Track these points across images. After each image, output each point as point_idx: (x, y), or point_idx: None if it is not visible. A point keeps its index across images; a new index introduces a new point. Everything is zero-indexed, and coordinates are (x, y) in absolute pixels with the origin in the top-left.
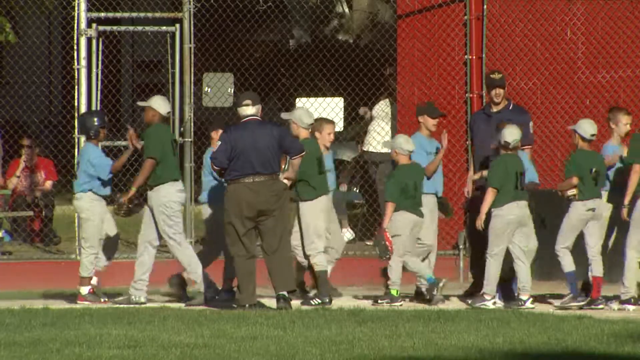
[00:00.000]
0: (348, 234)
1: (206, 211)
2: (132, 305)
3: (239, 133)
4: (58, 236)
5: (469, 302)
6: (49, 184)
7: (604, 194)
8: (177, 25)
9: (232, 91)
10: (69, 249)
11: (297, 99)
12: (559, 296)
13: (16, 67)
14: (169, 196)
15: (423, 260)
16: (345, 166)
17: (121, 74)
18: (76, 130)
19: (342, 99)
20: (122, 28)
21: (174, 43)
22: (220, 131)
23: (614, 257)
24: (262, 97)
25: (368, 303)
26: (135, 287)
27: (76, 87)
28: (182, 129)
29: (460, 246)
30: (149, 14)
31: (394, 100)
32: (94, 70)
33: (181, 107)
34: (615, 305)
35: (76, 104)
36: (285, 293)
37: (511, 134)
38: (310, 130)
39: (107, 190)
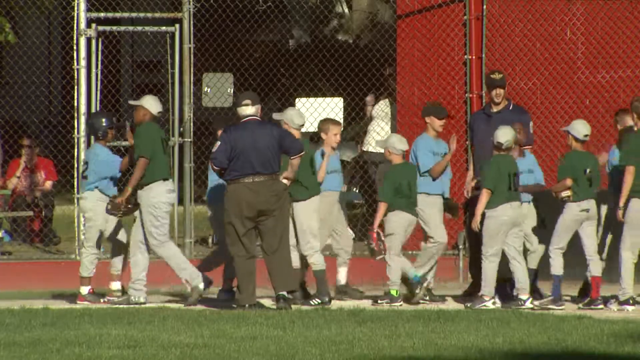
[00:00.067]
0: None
1: (213, 210)
2: (131, 306)
3: (239, 133)
4: (58, 236)
5: (468, 304)
6: (48, 184)
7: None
8: (177, 26)
9: (232, 91)
10: (68, 249)
11: (297, 99)
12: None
13: (16, 67)
14: (158, 197)
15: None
16: (345, 166)
17: (121, 74)
18: (76, 130)
19: (342, 99)
20: (122, 28)
21: (173, 43)
22: None
23: (614, 257)
24: (261, 97)
25: (368, 303)
26: (134, 288)
27: (76, 87)
28: (181, 129)
29: (460, 246)
30: (149, 14)
31: (393, 100)
32: (93, 70)
33: (181, 107)
34: (614, 305)
35: (76, 104)
36: (285, 293)
37: (504, 134)
38: (300, 130)
39: (114, 190)
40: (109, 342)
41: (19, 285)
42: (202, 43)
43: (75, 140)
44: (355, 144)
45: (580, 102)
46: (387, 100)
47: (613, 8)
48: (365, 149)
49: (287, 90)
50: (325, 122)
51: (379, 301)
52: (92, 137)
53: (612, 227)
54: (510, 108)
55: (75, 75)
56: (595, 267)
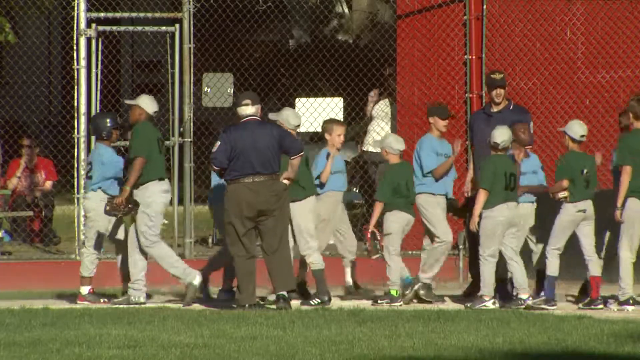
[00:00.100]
0: None
1: (216, 210)
2: (131, 306)
3: (239, 133)
4: (58, 236)
5: (468, 305)
6: (49, 184)
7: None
8: (177, 25)
9: (232, 91)
10: (68, 249)
11: (297, 99)
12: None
13: (16, 67)
14: (153, 197)
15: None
16: (345, 166)
17: (121, 74)
18: (76, 130)
19: (342, 99)
20: (122, 28)
21: (173, 43)
22: None
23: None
24: (261, 97)
25: (368, 303)
26: (133, 288)
27: (76, 87)
28: (181, 129)
29: (460, 246)
30: (149, 14)
31: (393, 100)
32: (93, 70)
33: (181, 107)
34: (614, 306)
35: (76, 104)
36: (285, 293)
37: (501, 134)
38: (296, 131)
39: (117, 191)
40: (109, 342)
41: (19, 285)
42: (202, 43)
43: (75, 140)
44: (355, 144)
45: (580, 102)
46: (387, 100)
47: (613, 8)
48: (365, 149)
49: (287, 90)
50: (329, 123)
51: (379, 301)
52: (94, 137)
53: (611, 226)
54: (511, 108)
55: (75, 75)
56: (594, 267)
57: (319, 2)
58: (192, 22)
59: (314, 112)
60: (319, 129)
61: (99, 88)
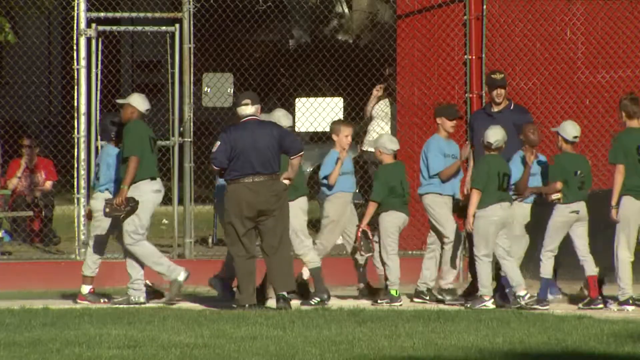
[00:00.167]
0: None
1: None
2: (131, 306)
3: (239, 133)
4: (58, 236)
5: (468, 305)
6: (49, 184)
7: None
8: (177, 25)
9: (232, 91)
10: (68, 249)
11: (297, 99)
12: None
13: (16, 67)
14: (145, 196)
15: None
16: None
17: (121, 74)
18: (76, 130)
19: (342, 99)
20: (122, 28)
21: (173, 43)
22: None
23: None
24: (261, 97)
25: (368, 303)
26: (133, 288)
27: (76, 87)
28: (181, 129)
29: (460, 246)
30: (149, 14)
31: (393, 100)
32: (93, 70)
33: (181, 107)
34: (614, 306)
35: (76, 104)
36: (285, 293)
37: (495, 134)
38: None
39: None
40: (109, 342)
41: (19, 285)
42: (202, 43)
43: (75, 140)
44: (354, 144)
45: (580, 102)
46: (387, 100)
47: (613, 8)
48: (364, 149)
49: (287, 90)
50: (337, 124)
51: (379, 301)
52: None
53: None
54: (512, 108)
55: (75, 75)
56: (590, 266)
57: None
58: (192, 22)
59: (314, 112)
60: (319, 129)
61: (99, 88)
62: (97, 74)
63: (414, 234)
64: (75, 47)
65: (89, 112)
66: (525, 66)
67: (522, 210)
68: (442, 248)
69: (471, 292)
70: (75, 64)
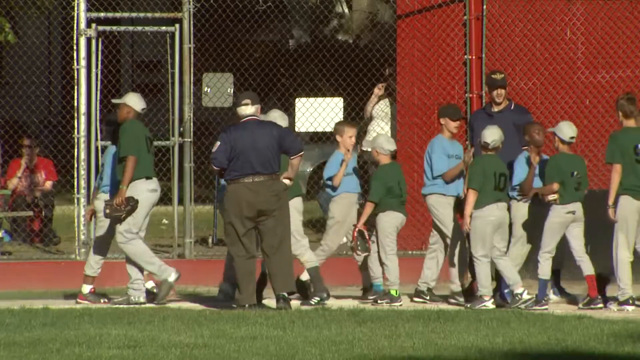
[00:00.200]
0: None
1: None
2: (131, 306)
3: (239, 133)
4: (58, 236)
5: (468, 305)
6: (49, 184)
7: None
8: (177, 26)
9: (232, 91)
10: (68, 249)
11: (297, 99)
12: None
13: (16, 67)
14: (141, 195)
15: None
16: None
17: (121, 74)
18: (76, 130)
19: (342, 99)
20: (122, 28)
21: (173, 43)
22: None
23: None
24: (261, 97)
25: (368, 303)
26: (133, 288)
27: (76, 87)
28: (181, 129)
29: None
30: (149, 14)
31: (393, 100)
32: (93, 70)
33: (181, 107)
34: (614, 306)
35: (76, 104)
36: (285, 293)
37: (491, 134)
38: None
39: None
40: (109, 342)
41: (19, 285)
42: (202, 43)
43: (75, 140)
44: (355, 144)
45: (580, 102)
46: (387, 100)
47: (613, 8)
48: (364, 149)
49: (287, 90)
50: (341, 124)
51: (379, 301)
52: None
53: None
54: (512, 108)
55: (75, 75)
56: (587, 266)
57: (319, 2)
58: (192, 22)
59: (314, 112)
60: (319, 129)
61: (99, 88)
62: (97, 74)
63: (414, 234)
64: (75, 47)
65: (89, 112)
66: (525, 66)
67: (524, 210)
68: (445, 249)
69: (470, 291)
70: (75, 64)
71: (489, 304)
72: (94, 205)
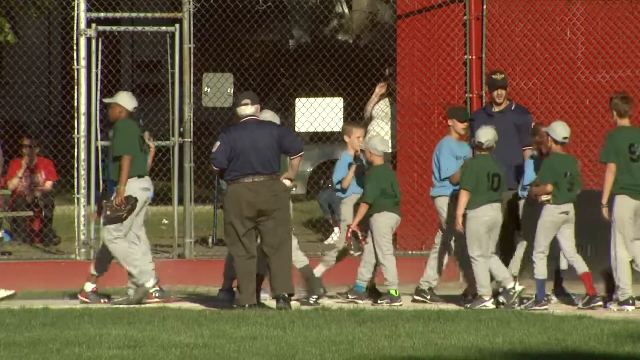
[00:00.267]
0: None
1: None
2: (131, 305)
3: (238, 133)
4: (58, 236)
5: (468, 305)
6: (49, 184)
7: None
8: (177, 26)
9: (232, 91)
10: (68, 249)
11: (297, 99)
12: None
13: (16, 67)
14: (132, 193)
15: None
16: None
17: (121, 74)
18: (76, 130)
19: (342, 99)
20: (122, 28)
21: (173, 43)
22: None
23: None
24: (261, 97)
25: (368, 303)
26: (133, 288)
27: (76, 87)
28: (181, 129)
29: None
30: (149, 14)
31: (393, 100)
32: (93, 70)
33: (181, 107)
34: (614, 306)
35: (76, 104)
36: (284, 293)
37: (485, 134)
38: None
39: None
40: (109, 342)
41: (19, 285)
42: (202, 43)
43: (75, 140)
44: None
45: (580, 102)
46: (387, 100)
47: (613, 8)
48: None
49: (287, 90)
50: (349, 125)
51: (379, 301)
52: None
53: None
54: (513, 108)
55: (75, 75)
56: (580, 265)
57: (319, 2)
58: (192, 22)
59: (314, 112)
60: (319, 129)
61: (99, 88)
62: (97, 74)
63: (414, 234)
64: (75, 47)
65: (89, 112)
66: (525, 66)
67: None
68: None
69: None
70: (75, 64)
71: (489, 304)
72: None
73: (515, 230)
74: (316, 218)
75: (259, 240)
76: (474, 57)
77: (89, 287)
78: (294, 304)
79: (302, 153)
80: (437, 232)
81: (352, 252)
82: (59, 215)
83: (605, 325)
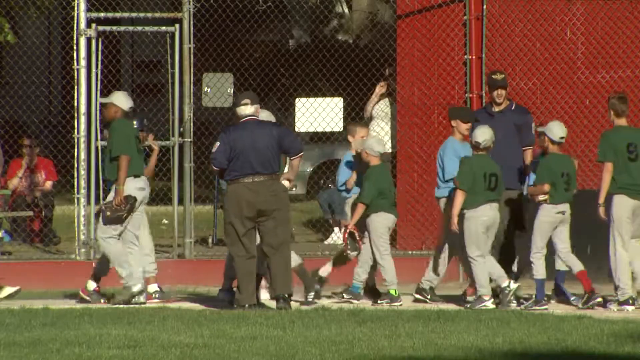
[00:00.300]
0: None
1: None
2: (131, 306)
3: (238, 133)
4: (58, 236)
5: (468, 305)
6: (49, 184)
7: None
8: (177, 26)
9: (232, 91)
10: (68, 249)
11: (297, 99)
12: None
13: (16, 67)
14: (128, 192)
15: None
16: None
17: (121, 74)
18: (76, 130)
19: (342, 99)
20: (122, 28)
21: (173, 43)
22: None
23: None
24: (261, 97)
25: (367, 303)
26: None
27: (76, 87)
28: (181, 129)
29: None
30: (149, 14)
31: (393, 100)
32: (93, 70)
33: (181, 107)
34: (614, 306)
35: (76, 104)
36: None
37: (482, 133)
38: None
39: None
40: (109, 342)
41: (19, 285)
42: (202, 43)
43: (75, 140)
44: None
45: (580, 102)
46: (387, 100)
47: (613, 8)
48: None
49: (287, 90)
50: (353, 125)
51: (379, 301)
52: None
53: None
54: (513, 108)
55: (75, 75)
56: (575, 263)
57: (319, 2)
58: (192, 22)
59: (314, 112)
60: (319, 129)
61: (99, 88)
62: (97, 74)
63: (414, 234)
64: (75, 47)
65: (89, 112)
66: (525, 66)
67: None
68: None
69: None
70: (75, 64)
71: (489, 304)
72: None
73: (517, 230)
74: (316, 218)
75: (258, 240)
76: (474, 57)
77: (91, 285)
78: (293, 304)
79: (302, 153)
80: (442, 232)
81: (348, 252)
82: (59, 215)
83: (605, 325)
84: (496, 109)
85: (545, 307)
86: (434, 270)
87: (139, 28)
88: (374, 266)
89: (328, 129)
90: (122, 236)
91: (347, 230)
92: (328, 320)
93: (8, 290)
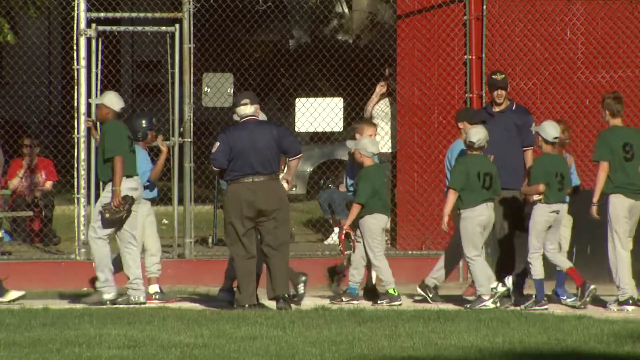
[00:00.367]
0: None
1: None
2: (131, 306)
3: (238, 133)
4: (58, 236)
5: (468, 305)
6: (49, 184)
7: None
8: (177, 26)
9: (232, 91)
10: (68, 249)
11: (297, 99)
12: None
13: (16, 67)
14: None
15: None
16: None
17: (121, 74)
18: (76, 130)
19: (342, 99)
20: (122, 28)
21: (173, 43)
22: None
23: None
24: (261, 97)
25: (367, 303)
26: (132, 288)
27: (76, 87)
28: (181, 129)
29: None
30: (149, 14)
31: (393, 100)
32: (93, 70)
33: (181, 107)
34: (614, 306)
35: (76, 104)
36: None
37: (477, 133)
38: None
39: (153, 193)
40: (109, 342)
41: (19, 285)
42: (202, 43)
43: (75, 140)
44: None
45: (580, 102)
46: (387, 100)
47: (613, 8)
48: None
49: (287, 90)
50: (360, 123)
51: (379, 301)
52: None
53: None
54: (513, 108)
55: (75, 75)
56: (563, 261)
57: (319, 2)
58: (192, 22)
59: (314, 112)
60: (319, 129)
61: (99, 88)
62: (97, 74)
63: (414, 234)
64: (75, 47)
65: (89, 112)
66: (525, 66)
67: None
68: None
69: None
70: (75, 64)
71: (489, 304)
72: None
73: (517, 230)
74: (316, 218)
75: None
76: (474, 57)
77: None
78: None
79: (300, 155)
80: (454, 233)
81: (342, 251)
82: (59, 215)
83: (605, 325)
84: (496, 109)
85: (545, 307)
86: (445, 267)
87: (139, 28)
88: (369, 267)
89: (328, 129)
90: (120, 236)
91: (344, 232)
92: (328, 320)
93: (13, 294)
